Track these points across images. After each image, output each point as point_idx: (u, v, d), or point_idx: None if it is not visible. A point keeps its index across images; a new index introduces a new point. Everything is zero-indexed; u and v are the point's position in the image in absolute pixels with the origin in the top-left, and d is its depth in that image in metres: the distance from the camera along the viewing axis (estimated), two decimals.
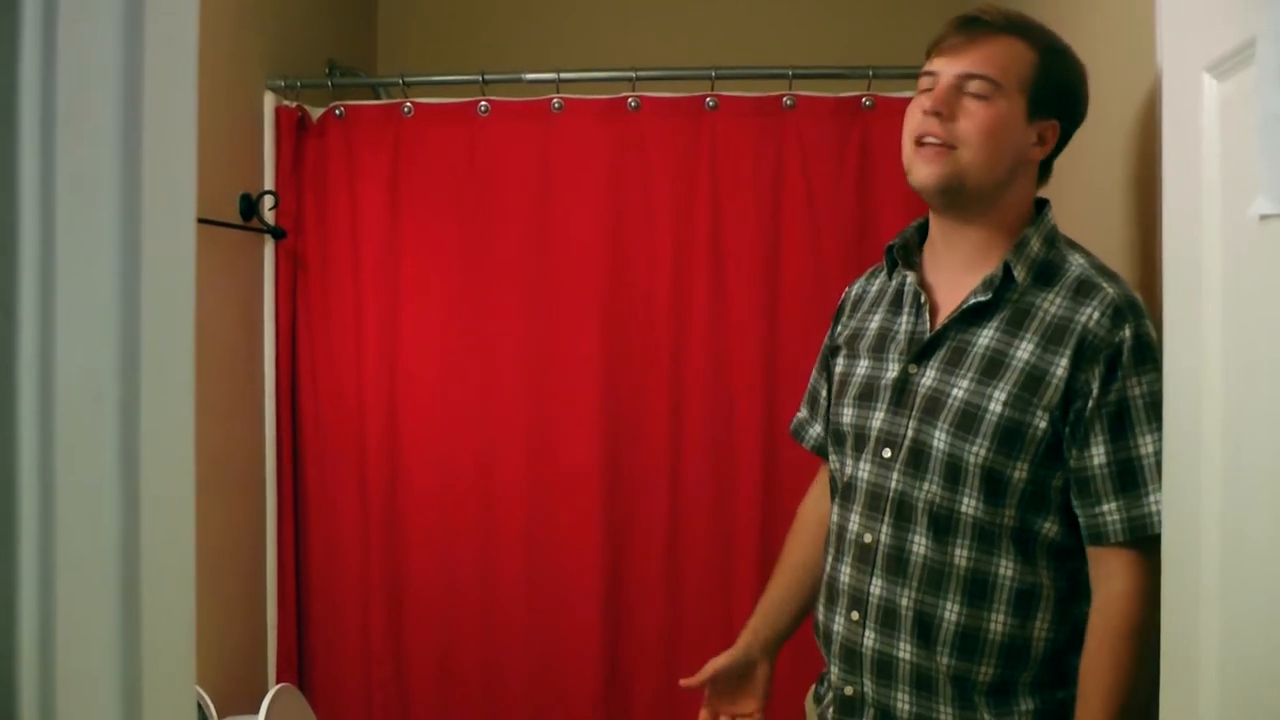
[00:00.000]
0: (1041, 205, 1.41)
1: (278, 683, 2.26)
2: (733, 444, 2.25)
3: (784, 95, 2.22)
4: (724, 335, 2.24)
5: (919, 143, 1.34)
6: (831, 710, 1.44)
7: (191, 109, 0.69)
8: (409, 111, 2.32)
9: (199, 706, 1.83)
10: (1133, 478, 1.24)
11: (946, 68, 1.34)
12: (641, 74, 2.26)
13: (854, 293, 1.59)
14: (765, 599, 1.65)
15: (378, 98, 2.60)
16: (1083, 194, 1.73)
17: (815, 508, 1.64)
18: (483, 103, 2.30)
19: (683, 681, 1.59)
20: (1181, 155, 1.07)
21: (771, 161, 2.23)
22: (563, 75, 2.28)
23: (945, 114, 1.32)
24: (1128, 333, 1.25)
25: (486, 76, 2.29)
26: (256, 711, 1.93)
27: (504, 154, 2.29)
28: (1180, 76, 1.07)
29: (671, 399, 2.26)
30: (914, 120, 1.36)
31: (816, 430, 1.64)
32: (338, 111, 2.36)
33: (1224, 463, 0.98)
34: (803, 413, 1.69)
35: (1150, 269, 1.42)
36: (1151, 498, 1.23)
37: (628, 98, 2.26)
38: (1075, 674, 1.29)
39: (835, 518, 1.47)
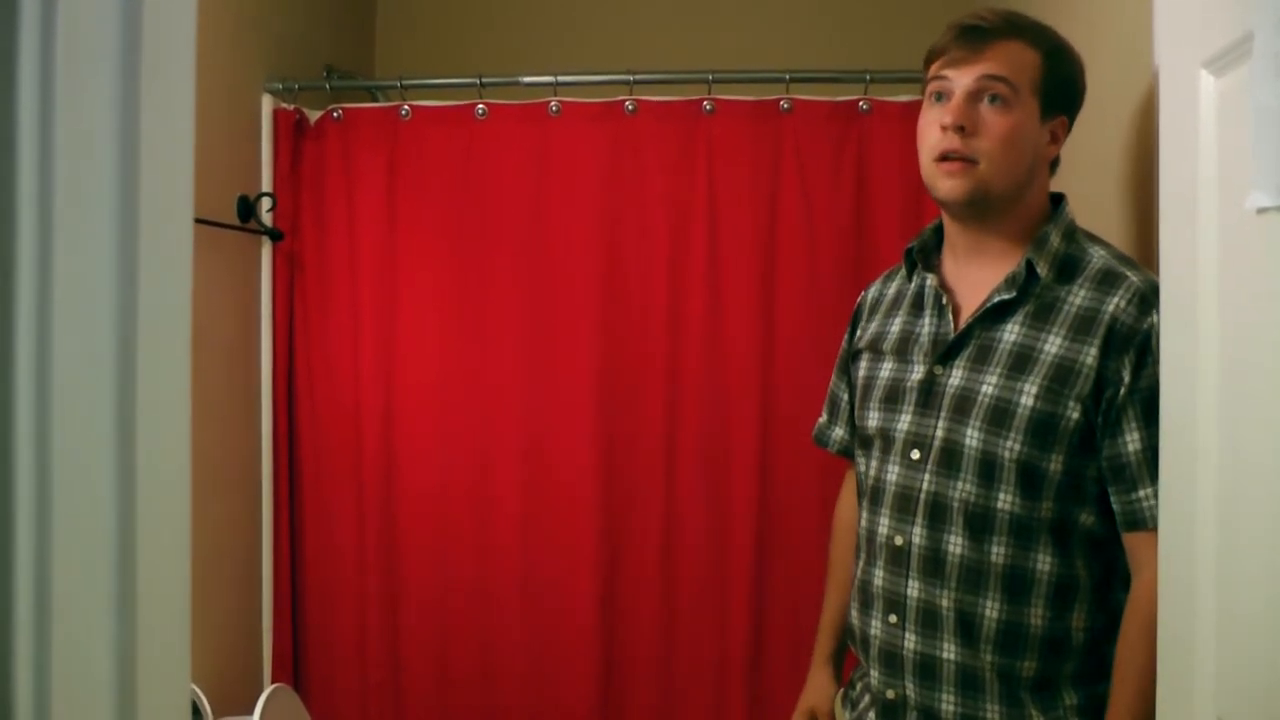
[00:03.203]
0: (1058, 200, 1.41)
1: (273, 683, 2.26)
2: (728, 449, 2.25)
3: (781, 99, 2.23)
4: (720, 339, 2.25)
5: (941, 158, 1.34)
6: (873, 714, 1.44)
7: (189, 104, 0.69)
8: (406, 114, 2.33)
9: (194, 705, 1.83)
10: None
11: (959, 78, 1.33)
12: (639, 77, 2.27)
13: (870, 296, 1.59)
14: (825, 618, 1.67)
15: (375, 100, 2.61)
16: (1080, 189, 1.73)
17: (848, 514, 1.66)
18: (480, 105, 2.31)
19: None
20: (1179, 150, 1.08)
21: (768, 165, 2.23)
22: (560, 78, 2.28)
23: (968, 128, 1.32)
24: (1156, 319, 1.24)
25: (484, 79, 2.30)
26: (251, 711, 1.93)
27: (501, 157, 2.30)
28: (1177, 72, 1.08)
29: (667, 403, 2.26)
30: (932, 136, 1.35)
31: (839, 433, 1.65)
32: (335, 114, 2.37)
33: (1219, 450, 0.99)
34: (824, 418, 1.70)
35: (1148, 263, 1.43)
36: None
37: (625, 101, 2.27)
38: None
39: (864, 520, 1.47)
